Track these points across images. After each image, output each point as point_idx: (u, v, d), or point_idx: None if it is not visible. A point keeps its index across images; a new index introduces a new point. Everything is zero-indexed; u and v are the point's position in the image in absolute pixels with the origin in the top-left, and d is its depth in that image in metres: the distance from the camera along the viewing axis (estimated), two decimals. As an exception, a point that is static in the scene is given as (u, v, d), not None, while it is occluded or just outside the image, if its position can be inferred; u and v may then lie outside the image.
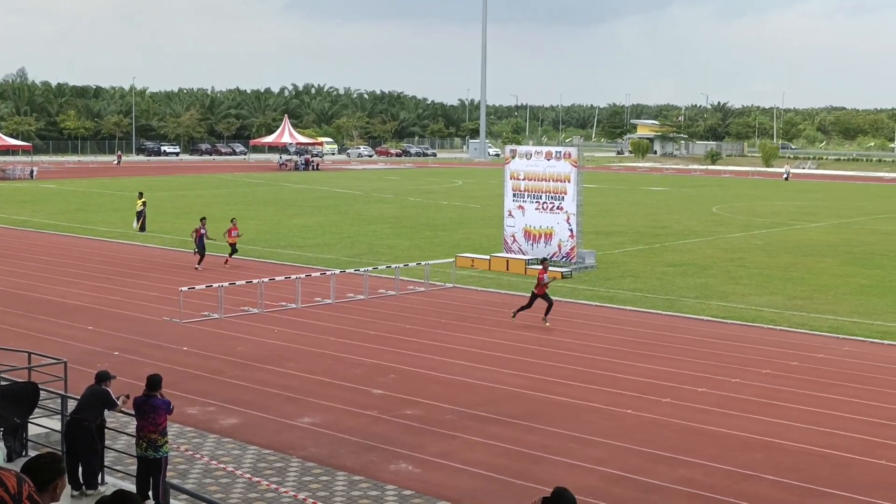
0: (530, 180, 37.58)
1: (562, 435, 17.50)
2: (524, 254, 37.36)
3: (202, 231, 36.03)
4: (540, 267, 28.55)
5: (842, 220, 57.33)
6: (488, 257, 37.64)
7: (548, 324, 26.64)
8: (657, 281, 34.36)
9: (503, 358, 23.09)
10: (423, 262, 34.03)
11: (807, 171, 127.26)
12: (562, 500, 9.85)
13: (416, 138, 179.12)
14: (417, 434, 17.52)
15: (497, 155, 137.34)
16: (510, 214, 38.32)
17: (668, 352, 23.91)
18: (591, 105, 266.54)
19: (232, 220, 37.85)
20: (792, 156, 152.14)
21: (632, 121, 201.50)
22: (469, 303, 30.25)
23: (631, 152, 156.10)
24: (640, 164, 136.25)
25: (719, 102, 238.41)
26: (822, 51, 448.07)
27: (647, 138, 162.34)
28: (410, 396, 19.86)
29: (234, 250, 36.89)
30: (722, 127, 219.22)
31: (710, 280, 34.58)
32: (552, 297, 27.09)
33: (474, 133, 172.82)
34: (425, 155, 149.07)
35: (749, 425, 18.13)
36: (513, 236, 38.19)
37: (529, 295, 27.23)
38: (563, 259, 36.57)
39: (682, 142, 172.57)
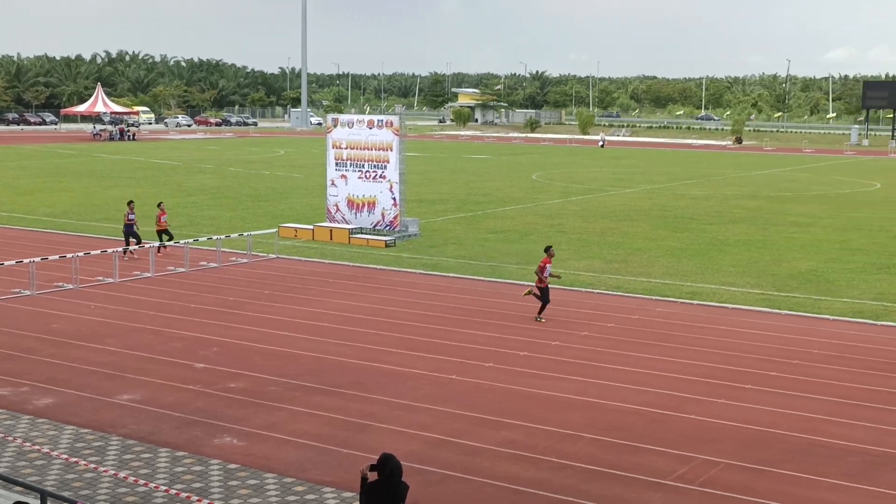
0: (353, 149, 37.48)
1: (387, 402, 17.61)
2: (348, 223, 37.29)
3: (130, 216, 32.49)
4: (545, 255, 24.75)
5: (654, 186, 59.46)
6: (312, 227, 37.40)
7: (543, 320, 24.02)
8: (480, 248, 34.89)
9: (328, 328, 23.04)
10: (245, 234, 33.55)
11: (621, 138, 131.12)
12: (387, 465, 9.98)
13: (237, 107, 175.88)
14: (242, 407, 17.32)
15: (319, 124, 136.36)
16: (333, 184, 38.14)
17: (492, 317, 24.35)
18: (414, 74, 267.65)
19: (159, 205, 34.09)
20: (607, 123, 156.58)
21: (453, 89, 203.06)
22: (293, 273, 30.01)
23: (453, 121, 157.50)
24: (462, 133, 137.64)
25: (538, 71, 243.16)
26: (636, 21, 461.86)
27: (468, 107, 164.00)
28: (234, 369, 19.61)
29: (170, 236, 33.29)
30: (541, 96, 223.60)
31: (530, 246, 35.32)
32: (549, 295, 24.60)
33: (296, 102, 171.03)
34: (246, 124, 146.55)
35: (569, 386, 18.68)
36: (336, 206, 38.03)
37: (540, 291, 24.24)
38: (387, 228, 36.69)
39: (503, 110, 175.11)
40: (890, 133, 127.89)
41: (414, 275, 30.06)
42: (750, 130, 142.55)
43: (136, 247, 32.29)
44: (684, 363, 20.35)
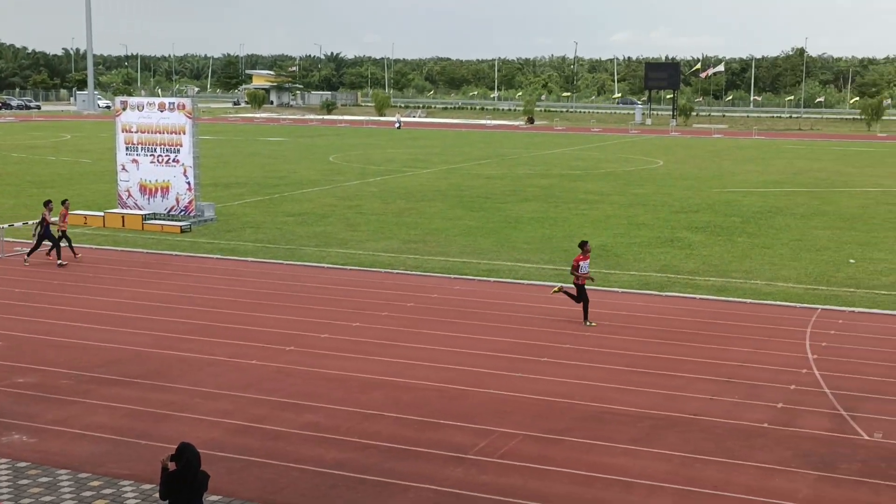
0: (144, 133, 36.41)
1: (186, 391, 17.29)
2: (140, 209, 36.24)
3: (48, 218, 28.58)
4: (580, 251, 22.60)
5: (450, 166, 60.36)
6: (102, 214, 36.16)
7: (594, 324, 22.05)
8: (278, 231, 34.60)
9: (123, 317, 22.37)
10: (30, 222, 32.14)
11: (417, 119, 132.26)
12: (184, 455, 9.84)
13: (17, 90, 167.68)
14: (31, 403, 16.63)
15: (107, 107, 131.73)
16: (124, 169, 36.96)
17: (292, 300, 24.21)
18: (206, 56, 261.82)
19: (64, 203, 29.57)
20: (403, 105, 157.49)
21: (247, 71, 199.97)
22: (84, 262, 28.93)
23: (248, 103, 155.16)
24: (258, 115, 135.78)
25: (333, 53, 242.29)
26: (429, 3, 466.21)
27: (263, 89, 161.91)
28: (22, 364, 18.78)
29: (67, 238, 28.99)
30: (336, 77, 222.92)
31: (329, 228, 35.28)
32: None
33: (82, 84, 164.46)
34: (28, 108, 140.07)
35: (370, 367, 18.81)
36: (128, 191, 36.89)
37: (577, 290, 22.31)
38: (182, 213, 35.88)
39: (298, 92, 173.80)
40: (670, 112, 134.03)
41: (211, 260, 29.54)
42: (541, 111, 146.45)
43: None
44: (483, 339, 20.82)
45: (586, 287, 22.41)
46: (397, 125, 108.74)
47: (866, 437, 15.40)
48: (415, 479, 13.66)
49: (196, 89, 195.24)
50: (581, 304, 22.25)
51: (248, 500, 13.02)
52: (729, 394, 17.41)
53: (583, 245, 22.74)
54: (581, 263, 22.18)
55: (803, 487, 13.51)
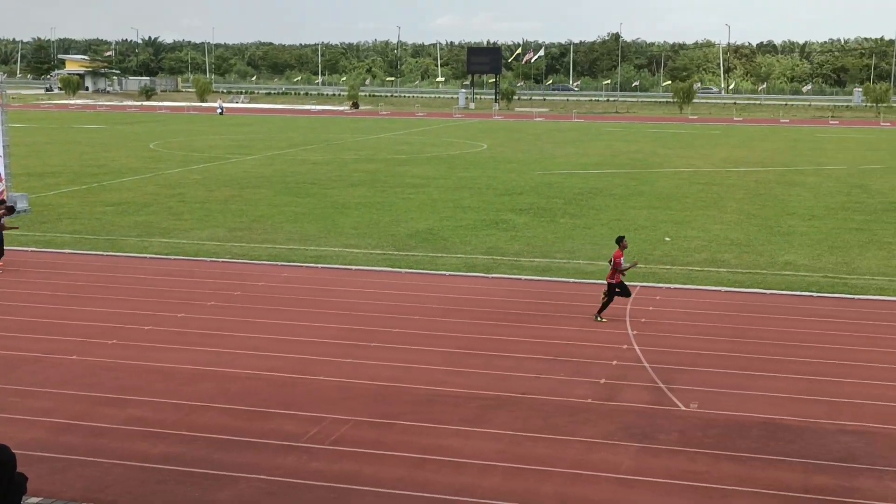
0: (-52, 121, 34.57)
1: (2, 389, 16.57)
2: (-53, 201, 34.45)
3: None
4: (617, 248, 21.82)
5: (275, 153, 59.69)
6: None
7: (604, 320, 21.44)
8: (97, 222, 33.49)
9: (-71, 315, 21.24)
10: None
11: (240, 105, 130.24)
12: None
13: None
14: None
15: None
16: (-73, 159, 35.02)
17: (113, 293, 23.49)
18: (14, 39, 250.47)
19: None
20: (225, 90, 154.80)
21: (60, 56, 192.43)
22: None
23: (61, 89, 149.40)
24: (72, 102, 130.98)
25: (151, 37, 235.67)
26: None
27: (77, 74, 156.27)
28: None
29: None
30: (155, 62, 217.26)
31: (151, 217, 34.37)
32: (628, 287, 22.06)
33: None
34: None
35: (196, 357, 18.44)
36: (-68, 183, 35.00)
37: (619, 288, 21.54)
38: (-7, 204, 34.29)
39: (115, 78, 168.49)
40: (493, 97, 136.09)
41: (25, 253, 28.34)
42: (366, 96, 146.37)
43: None
44: (311, 326, 20.70)
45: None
46: (219, 111, 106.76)
47: (683, 408, 16.05)
48: (245, 470, 13.49)
49: (4, 75, 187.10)
50: (611, 300, 21.51)
51: (71, 499, 12.59)
52: (556, 372, 17.84)
53: (619, 240, 22.00)
54: (620, 260, 21.42)
55: (626, 459, 13.98)
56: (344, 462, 13.79)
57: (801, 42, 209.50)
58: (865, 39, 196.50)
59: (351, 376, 17.50)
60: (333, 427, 15.06)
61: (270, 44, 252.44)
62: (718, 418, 15.59)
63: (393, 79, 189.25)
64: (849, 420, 15.60)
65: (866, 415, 15.86)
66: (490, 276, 26.00)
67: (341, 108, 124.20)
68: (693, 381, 17.41)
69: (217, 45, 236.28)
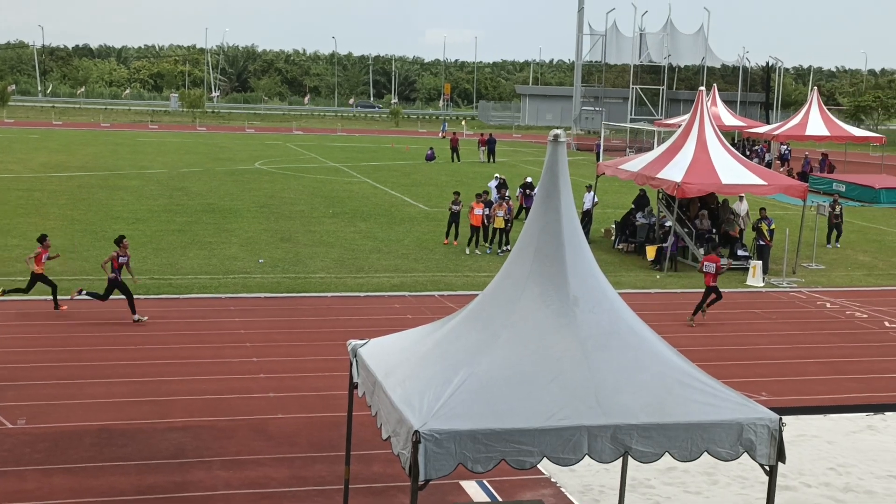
0: None
1: None
2: None
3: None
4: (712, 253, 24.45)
5: None
6: None
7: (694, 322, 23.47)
8: None
9: None
10: None
11: None
12: None
13: None
14: None
15: None
16: None
17: None
18: None
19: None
20: None
21: None
22: None
23: None
24: None
25: None
26: None
27: None
28: None
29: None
30: None
31: None
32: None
33: None
34: None
35: None
36: None
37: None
38: None
39: None
40: None
41: None
42: None
43: None
44: None
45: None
46: None
47: (10, 426, 15.41)
48: None
49: None
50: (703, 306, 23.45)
51: None
52: None
53: (715, 247, 25.68)
54: (706, 263, 23.27)
55: (-51, 488, 13.06)
56: None
57: (118, 47, 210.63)
58: (179, 47, 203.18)
59: None
60: None
61: None
62: (49, 431, 15.20)
63: None
64: (178, 417, 16.12)
65: (193, 410, 16.51)
66: None
67: None
68: (19, 396, 16.76)
69: None
